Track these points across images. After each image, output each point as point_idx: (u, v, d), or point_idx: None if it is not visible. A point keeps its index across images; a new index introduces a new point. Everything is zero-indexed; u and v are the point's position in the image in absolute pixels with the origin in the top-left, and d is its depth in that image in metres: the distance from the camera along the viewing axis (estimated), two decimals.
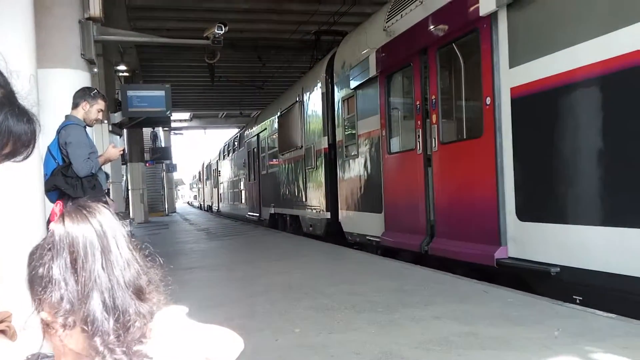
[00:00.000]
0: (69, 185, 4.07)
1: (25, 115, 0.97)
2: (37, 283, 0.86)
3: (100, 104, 4.31)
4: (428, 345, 3.10)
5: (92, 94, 4.32)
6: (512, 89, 4.66)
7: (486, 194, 5.03)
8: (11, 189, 2.77)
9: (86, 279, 0.85)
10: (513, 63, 4.64)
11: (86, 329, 0.84)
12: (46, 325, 0.88)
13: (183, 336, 0.96)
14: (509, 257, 4.72)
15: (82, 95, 4.28)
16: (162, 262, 0.99)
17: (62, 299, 0.84)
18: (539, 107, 4.40)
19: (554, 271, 4.14)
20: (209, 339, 1.01)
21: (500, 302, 4.06)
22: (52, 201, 4.04)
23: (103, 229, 0.89)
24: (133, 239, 0.95)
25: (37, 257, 0.88)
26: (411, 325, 3.55)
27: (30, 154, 1.01)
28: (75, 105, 4.25)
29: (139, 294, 0.90)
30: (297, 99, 11.54)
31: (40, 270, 0.86)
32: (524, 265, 4.54)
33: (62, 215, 0.89)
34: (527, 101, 4.53)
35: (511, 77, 4.67)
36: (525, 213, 4.55)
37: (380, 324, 3.59)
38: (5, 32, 2.89)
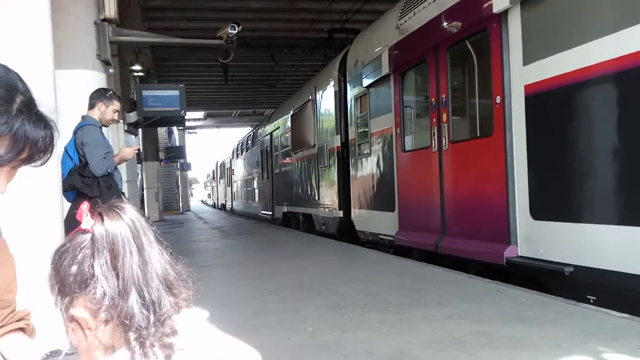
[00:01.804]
0: (86, 185, 4.14)
1: (42, 122, 1.00)
2: (72, 281, 0.89)
3: (116, 105, 4.38)
4: (440, 344, 3.10)
5: (108, 94, 4.39)
6: (526, 87, 4.62)
7: (496, 193, 5.01)
8: (30, 189, 2.83)
9: (125, 275, 0.88)
10: (527, 60, 4.61)
11: (126, 322, 0.87)
12: (73, 321, 0.91)
13: (206, 342, 0.98)
14: (520, 256, 4.70)
15: (98, 96, 4.35)
16: (186, 261, 1.02)
17: (104, 295, 0.87)
18: (554, 104, 4.36)
19: (568, 271, 4.11)
20: (229, 351, 1.03)
21: (514, 301, 4.04)
22: (69, 200, 4.12)
23: (136, 226, 0.92)
24: (160, 237, 0.98)
25: (71, 256, 0.90)
26: (424, 324, 3.55)
27: (48, 159, 1.04)
28: (91, 106, 4.32)
29: (170, 288, 0.94)
30: (310, 98, 11.56)
31: (75, 268, 0.89)
32: (534, 265, 4.51)
33: (100, 214, 0.91)
34: (541, 98, 4.49)
35: (525, 74, 4.63)
36: (540, 212, 4.52)
37: (393, 323, 3.60)
38: (23, 32, 2.94)
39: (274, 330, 3.60)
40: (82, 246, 0.90)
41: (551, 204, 4.45)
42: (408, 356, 2.94)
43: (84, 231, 0.91)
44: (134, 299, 0.88)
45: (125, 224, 0.91)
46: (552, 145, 4.40)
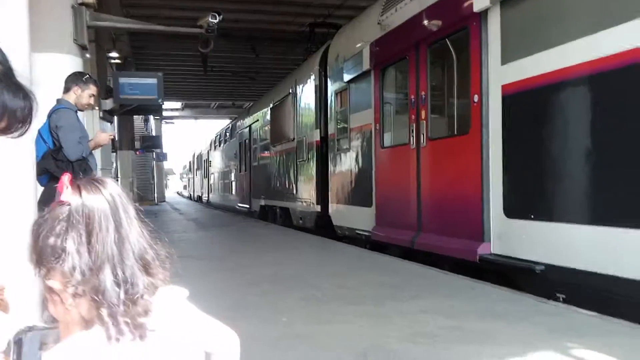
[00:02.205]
0: (59, 169, 4.06)
1: (21, 91, 0.98)
2: (49, 252, 0.88)
3: (92, 89, 4.29)
4: (415, 338, 3.14)
5: (84, 78, 4.30)
6: (503, 86, 4.69)
7: (471, 191, 5.08)
8: (4, 171, 2.77)
9: (99, 251, 0.87)
10: (505, 60, 4.67)
11: (96, 298, 0.86)
12: (53, 293, 0.90)
13: (183, 321, 0.98)
14: (493, 254, 4.78)
15: (74, 80, 4.25)
16: (166, 241, 1.01)
17: (74, 268, 0.86)
18: (530, 104, 4.43)
19: (539, 269, 4.20)
20: (208, 331, 1.03)
21: (486, 298, 4.12)
22: (42, 184, 4.03)
23: (115, 202, 0.91)
24: (142, 215, 0.96)
25: (48, 227, 0.89)
26: (399, 318, 3.59)
27: (26, 130, 1.01)
28: (66, 90, 4.23)
29: (146, 267, 0.93)
30: (290, 91, 11.52)
31: (52, 240, 0.88)
32: (506, 262, 4.60)
33: (78, 187, 0.90)
34: (518, 98, 4.56)
35: (503, 74, 4.69)
36: (513, 210, 4.60)
37: (369, 317, 3.63)
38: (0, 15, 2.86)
39: (249, 320, 3.59)
40: (59, 218, 0.89)
41: (524, 202, 4.54)
42: (383, 349, 2.97)
43: (63, 203, 0.90)
44: (106, 275, 0.87)
45: (104, 198, 0.90)
46: (527, 145, 4.48)
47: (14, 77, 0.98)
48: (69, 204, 0.89)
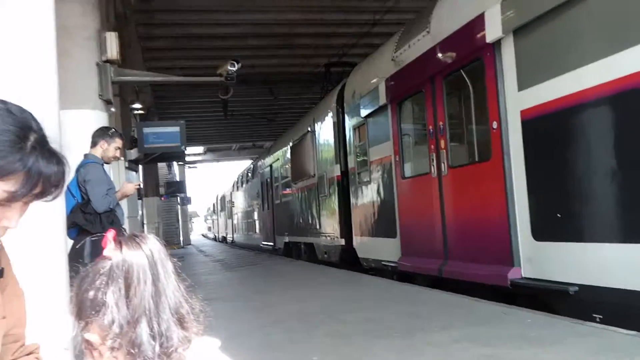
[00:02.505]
0: (88, 222, 4.18)
1: (54, 157, 1.05)
2: (88, 305, 0.92)
3: (117, 142, 4.46)
4: None
5: (110, 133, 4.47)
6: (522, 112, 4.72)
7: (497, 216, 5.04)
8: (36, 226, 2.87)
9: (137, 305, 0.91)
10: (522, 86, 4.71)
11: (132, 352, 0.89)
12: (91, 347, 0.93)
13: None
14: (524, 277, 4.69)
15: (100, 135, 4.43)
16: (201, 295, 1.04)
17: (113, 322, 0.90)
18: (550, 127, 4.44)
19: (572, 290, 4.10)
20: None
21: (520, 323, 4.03)
22: (71, 237, 4.14)
23: (154, 258, 0.95)
24: (179, 270, 1.00)
25: (89, 280, 0.93)
26: (430, 349, 3.53)
27: (59, 194, 1.08)
28: (93, 144, 4.40)
29: (181, 321, 0.95)
30: (309, 129, 11.70)
31: (92, 293, 0.92)
32: (539, 285, 4.51)
33: (120, 243, 0.95)
34: (538, 122, 4.57)
35: (521, 100, 4.73)
36: (541, 233, 4.55)
37: (398, 350, 3.58)
38: (31, 75, 3.03)
39: None
40: (100, 272, 0.93)
41: (552, 224, 4.48)
42: None
43: (105, 258, 0.95)
44: (143, 328, 0.90)
45: (143, 253, 0.94)
46: (551, 167, 4.46)
47: (47, 144, 1.05)
48: (111, 259, 0.94)
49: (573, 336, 3.51)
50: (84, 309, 0.92)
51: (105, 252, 0.95)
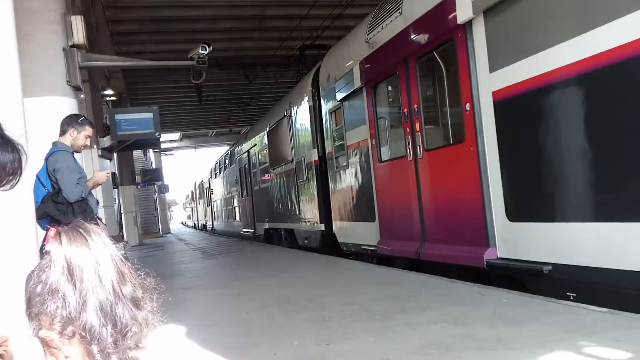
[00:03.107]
0: (60, 212, 4.08)
1: (10, 145, 1.00)
2: (36, 301, 0.92)
3: (87, 131, 4.34)
4: (426, 349, 3.12)
5: (79, 120, 4.35)
6: (494, 93, 4.73)
7: (472, 198, 5.09)
8: (4, 218, 2.79)
9: (82, 290, 0.91)
10: (493, 67, 4.73)
11: (85, 336, 0.89)
12: (49, 347, 0.93)
13: None
14: (499, 258, 4.77)
15: (69, 122, 4.31)
16: (148, 271, 1.04)
17: (58, 309, 0.90)
18: (521, 108, 4.47)
19: (546, 269, 4.18)
20: None
21: (496, 303, 4.10)
22: (44, 228, 4.04)
23: (97, 245, 0.95)
24: (127, 259, 1.00)
25: (35, 277, 0.94)
26: (408, 331, 3.57)
27: (16, 182, 1.04)
28: (62, 132, 4.28)
29: (134, 301, 0.96)
30: (285, 114, 11.61)
31: (39, 287, 0.92)
32: (514, 265, 4.58)
33: (59, 234, 0.94)
34: (509, 103, 4.60)
35: (492, 81, 4.74)
36: (515, 214, 4.61)
37: (378, 332, 3.61)
38: None
39: (260, 347, 3.57)
40: (44, 267, 0.93)
41: (526, 205, 4.54)
42: None
43: (48, 253, 0.95)
44: (91, 312, 0.90)
45: (85, 243, 0.94)
46: (523, 148, 4.50)
47: (1, 130, 1.01)
48: (52, 253, 0.94)
49: (548, 314, 3.58)
50: (34, 305, 0.92)
51: (47, 247, 0.95)
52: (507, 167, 4.67)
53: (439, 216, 5.84)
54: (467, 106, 5.06)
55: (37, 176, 4.20)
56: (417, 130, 6.08)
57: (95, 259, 0.93)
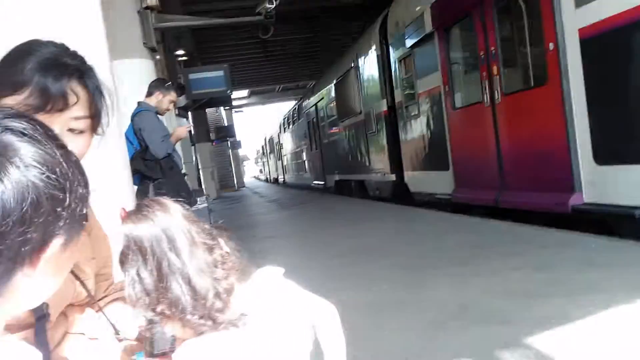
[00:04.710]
0: (149, 168, 4.33)
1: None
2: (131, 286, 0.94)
3: (172, 96, 4.54)
4: (510, 294, 3.10)
5: (166, 85, 4.55)
6: (580, 30, 4.40)
7: (556, 142, 4.84)
8: (105, 175, 3.00)
9: (160, 269, 0.92)
10: (580, 2, 4.37)
11: (176, 312, 0.92)
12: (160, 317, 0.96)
13: (286, 298, 1.03)
14: (586, 203, 4.55)
15: (157, 85, 4.51)
16: (233, 230, 1.06)
17: (142, 293, 0.93)
18: (611, 45, 4.14)
19: (638, 213, 3.96)
20: (310, 305, 1.07)
21: (584, 249, 3.96)
22: (136, 184, 4.32)
23: (165, 221, 0.95)
24: (210, 210, 1.02)
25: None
26: (491, 277, 3.54)
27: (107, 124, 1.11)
28: (149, 94, 4.48)
29: (215, 264, 0.97)
30: (353, 65, 11.44)
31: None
32: (602, 210, 4.37)
33: (128, 217, 0.96)
34: (598, 41, 4.27)
35: (578, 18, 4.40)
36: (603, 156, 4.35)
37: (459, 278, 3.61)
38: (78, 29, 3.07)
39: (348, 291, 3.67)
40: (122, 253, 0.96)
41: (615, 147, 4.27)
42: (477, 308, 2.96)
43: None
44: (176, 288, 0.92)
45: (151, 222, 0.94)
46: (612, 88, 4.20)
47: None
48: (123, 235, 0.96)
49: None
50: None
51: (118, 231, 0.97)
52: (595, 109, 4.39)
53: (518, 162, 5.63)
54: (551, 46, 4.74)
55: (125, 135, 4.45)
56: (495, 74, 5.80)
57: (166, 236, 0.93)
